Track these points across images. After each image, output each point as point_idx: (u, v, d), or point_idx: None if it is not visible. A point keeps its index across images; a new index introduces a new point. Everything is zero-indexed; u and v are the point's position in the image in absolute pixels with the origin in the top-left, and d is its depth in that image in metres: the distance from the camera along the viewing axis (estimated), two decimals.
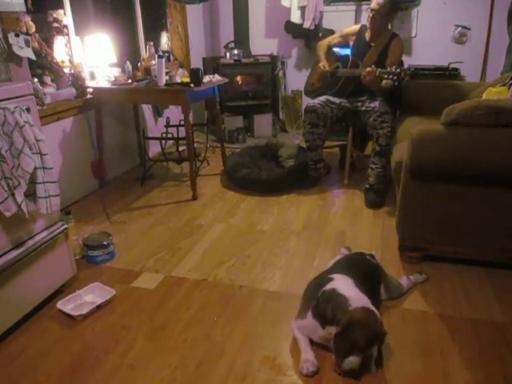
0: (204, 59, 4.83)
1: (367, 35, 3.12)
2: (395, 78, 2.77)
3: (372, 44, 3.09)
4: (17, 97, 1.72)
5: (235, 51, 4.46)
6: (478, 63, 4.28)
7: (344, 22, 4.22)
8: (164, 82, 2.96)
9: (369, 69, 2.85)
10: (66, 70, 3.12)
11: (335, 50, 3.34)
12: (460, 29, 4.27)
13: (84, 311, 1.87)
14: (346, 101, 3.15)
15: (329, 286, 1.66)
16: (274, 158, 3.62)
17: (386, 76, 2.81)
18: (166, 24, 4.48)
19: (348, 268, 1.85)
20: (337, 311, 1.53)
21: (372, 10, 2.95)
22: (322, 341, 1.62)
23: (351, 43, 3.22)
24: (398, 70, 2.76)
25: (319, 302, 1.61)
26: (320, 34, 4.50)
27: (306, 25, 4.40)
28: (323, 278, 1.78)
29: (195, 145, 3.76)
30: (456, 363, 1.58)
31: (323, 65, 3.21)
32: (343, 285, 1.67)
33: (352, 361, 1.46)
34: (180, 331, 1.78)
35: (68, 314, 1.88)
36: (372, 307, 1.54)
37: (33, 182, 1.73)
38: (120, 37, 3.73)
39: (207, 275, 2.18)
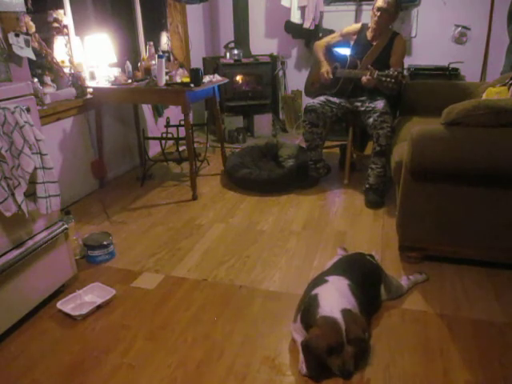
0: (204, 59, 4.83)
1: (369, 34, 3.11)
2: (393, 80, 2.78)
3: (373, 43, 3.09)
4: (17, 97, 1.72)
5: (235, 51, 4.46)
6: (478, 63, 4.28)
7: (344, 22, 4.21)
8: (164, 81, 2.96)
9: (368, 77, 2.87)
10: (66, 70, 3.12)
11: (334, 49, 3.33)
12: (460, 29, 4.28)
13: (84, 311, 1.87)
14: (345, 101, 3.15)
15: (315, 291, 1.66)
16: (274, 158, 3.63)
17: (383, 78, 2.82)
18: (165, 24, 4.48)
19: (347, 268, 1.85)
20: (310, 320, 1.55)
21: (379, 8, 2.94)
22: None
23: (351, 42, 3.22)
24: (396, 73, 2.77)
25: (304, 308, 1.63)
26: (320, 34, 4.50)
27: (306, 25, 4.40)
28: (319, 279, 1.79)
29: (195, 145, 3.77)
30: (456, 363, 1.58)
31: (326, 71, 3.14)
32: (328, 289, 1.66)
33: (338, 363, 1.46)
34: (180, 331, 1.78)
35: (68, 314, 1.88)
36: (336, 316, 1.49)
37: (33, 181, 1.73)
38: (120, 37, 3.73)
39: (207, 275, 2.18)
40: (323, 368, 1.50)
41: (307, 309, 1.61)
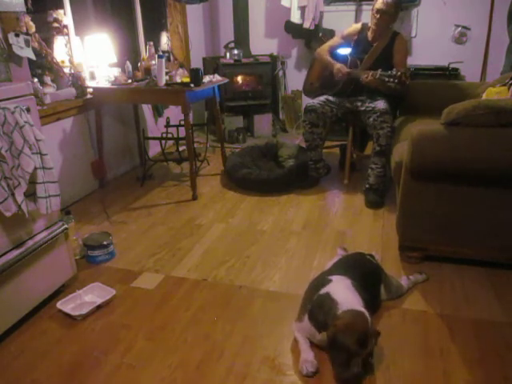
0: (204, 59, 4.83)
1: (369, 35, 3.11)
2: (396, 80, 2.77)
3: (373, 44, 3.09)
4: (17, 97, 1.72)
5: (235, 51, 4.46)
6: (478, 63, 4.28)
7: (344, 22, 4.22)
8: (164, 81, 2.96)
9: (370, 78, 2.86)
10: (66, 70, 3.12)
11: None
12: (460, 29, 4.28)
13: (84, 311, 1.87)
14: (345, 100, 3.15)
15: (324, 290, 1.66)
16: (274, 158, 3.63)
17: (386, 79, 2.81)
18: (166, 24, 4.48)
19: (348, 268, 1.85)
20: (327, 317, 1.54)
21: (379, 10, 2.93)
22: (320, 343, 1.62)
23: (352, 42, 3.20)
24: (399, 73, 2.75)
25: (313, 307, 1.63)
26: (320, 34, 4.50)
27: (306, 25, 4.40)
28: (322, 279, 1.78)
29: (195, 145, 3.77)
30: (456, 363, 1.58)
31: (341, 66, 3.07)
32: (338, 287, 1.66)
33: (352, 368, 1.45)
34: (180, 331, 1.78)
35: (68, 314, 1.88)
36: (361, 309, 1.53)
37: (33, 182, 1.73)
38: (120, 37, 3.73)
39: (207, 275, 2.18)
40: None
41: (319, 307, 1.60)
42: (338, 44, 3.28)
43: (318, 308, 1.60)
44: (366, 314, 1.51)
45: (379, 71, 2.84)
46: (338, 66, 3.11)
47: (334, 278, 1.75)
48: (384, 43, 3.06)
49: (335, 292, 1.62)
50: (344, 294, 1.62)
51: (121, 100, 3.29)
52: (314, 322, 1.60)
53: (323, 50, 3.30)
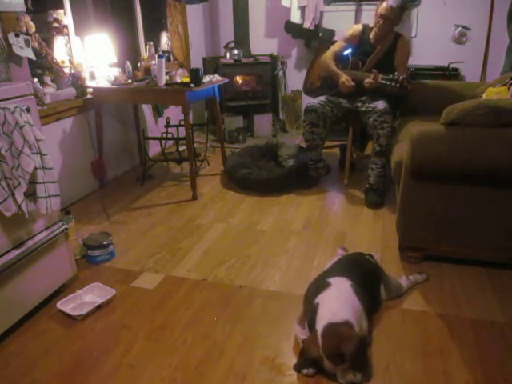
0: (204, 59, 4.83)
1: (372, 37, 3.09)
2: (398, 85, 2.76)
3: (376, 46, 3.07)
4: (17, 97, 1.72)
5: (235, 51, 4.46)
6: (478, 63, 4.28)
7: (344, 22, 4.23)
8: (164, 81, 2.96)
9: (371, 80, 2.86)
10: (66, 70, 3.12)
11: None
12: (460, 29, 4.28)
13: (84, 311, 1.87)
14: (346, 101, 3.15)
15: (317, 299, 1.65)
16: (274, 158, 3.62)
17: (388, 83, 2.80)
18: (166, 24, 4.48)
19: (347, 269, 1.85)
20: (312, 329, 1.57)
21: (383, 16, 2.93)
22: None
23: (354, 44, 3.19)
24: (401, 78, 2.74)
25: (309, 318, 1.63)
26: (320, 34, 4.50)
27: (306, 25, 4.40)
28: (322, 281, 1.78)
29: (195, 145, 3.77)
30: (456, 363, 1.58)
31: (346, 79, 3.00)
32: (330, 297, 1.65)
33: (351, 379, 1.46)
34: (180, 331, 1.78)
35: (68, 314, 1.88)
36: (319, 330, 1.51)
37: (33, 182, 1.73)
38: (120, 37, 3.73)
39: (207, 275, 2.18)
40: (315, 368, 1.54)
41: (311, 319, 1.61)
42: (342, 49, 3.21)
43: (310, 320, 1.61)
44: (319, 337, 1.49)
45: (380, 76, 2.83)
46: (343, 78, 3.01)
47: (334, 280, 1.74)
48: (386, 45, 3.04)
49: (322, 304, 1.62)
50: (326, 308, 1.60)
51: (121, 100, 3.29)
52: (310, 331, 1.61)
53: (328, 57, 3.21)
